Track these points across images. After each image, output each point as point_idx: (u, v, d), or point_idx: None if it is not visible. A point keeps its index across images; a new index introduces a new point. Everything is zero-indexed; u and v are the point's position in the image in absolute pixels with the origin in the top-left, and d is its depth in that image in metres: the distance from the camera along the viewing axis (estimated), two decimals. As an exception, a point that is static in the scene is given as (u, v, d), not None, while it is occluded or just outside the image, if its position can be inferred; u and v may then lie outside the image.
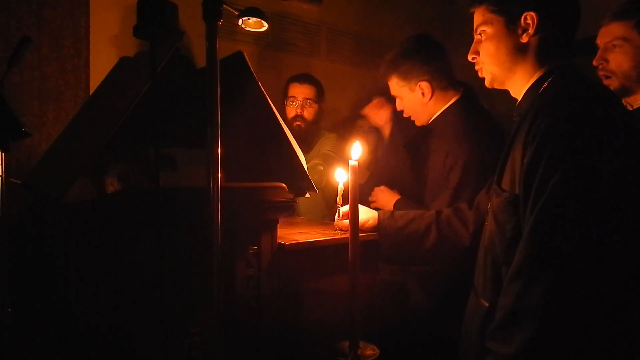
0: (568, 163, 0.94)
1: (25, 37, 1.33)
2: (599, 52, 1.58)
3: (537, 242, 0.95)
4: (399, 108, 1.93)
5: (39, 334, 1.36)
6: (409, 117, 1.91)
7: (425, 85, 1.80)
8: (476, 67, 1.23)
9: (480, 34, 1.19)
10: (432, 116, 1.86)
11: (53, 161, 1.44)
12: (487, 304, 1.12)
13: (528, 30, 1.11)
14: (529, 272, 0.95)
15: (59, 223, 1.36)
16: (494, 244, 1.13)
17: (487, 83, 1.22)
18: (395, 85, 1.86)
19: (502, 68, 1.16)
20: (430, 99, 1.81)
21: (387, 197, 1.96)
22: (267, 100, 1.26)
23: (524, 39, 1.12)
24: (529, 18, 1.10)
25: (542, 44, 1.12)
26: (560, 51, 1.13)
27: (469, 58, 1.23)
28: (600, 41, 1.58)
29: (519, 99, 1.18)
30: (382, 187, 2.02)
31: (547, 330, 0.92)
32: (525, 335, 0.93)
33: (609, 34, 1.55)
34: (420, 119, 1.89)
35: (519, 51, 1.13)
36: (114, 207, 1.09)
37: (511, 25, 1.13)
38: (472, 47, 1.22)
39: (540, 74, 1.12)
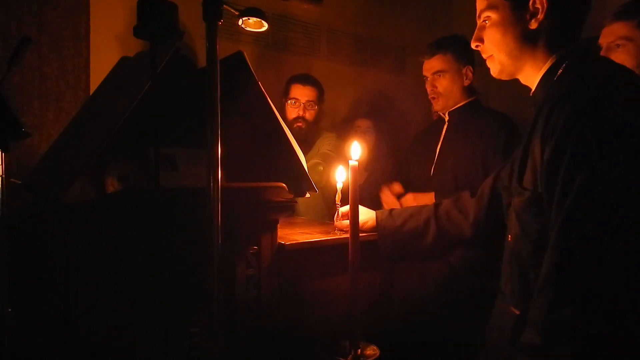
0: (593, 161, 0.87)
1: (26, 37, 1.33)
2: (602, 52, 1.57)
3: (565, 248, 0.89)
4: (431, 86, 2.09)
5: (39, 334, 1.36)
6: (433, 97, 2.10)
7: (470, 71, 2.05)
8: (483, 56, 1.15)
9: (484, 20, 1.11)
10: (455, 105, 2.07)
11: (53, 161, 1.44)
12: (517, 312, 1.06)
13: (537, 15, 1.03)
14: (559, 281, 0.89)
15: (59, 223, 1.36)
16: (519, 248, 1.07)
17: (494, 73, 1.15)
18: (447, 60, 2.05)
19: (510, 56, 1.09)
20: (466, 86, 2.06)
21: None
22: (268, 101, 1.26)
23: (533, 25, 1.04)
24: (538, 2, 1.03)
25: (552, 29, 1.04)
26: (572, 36, 1.06)
27: (472, 46, 1.16)
28: (603, 41, 1.58)
29: (533, 89, 1.10)
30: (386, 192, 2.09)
31: (582, 343, 0.86)
32: (559, 349, 0.87)
33: (612, 33, 1.54)
34: (447, 102, 2.07)
35: (528, 38, 1.06)
36: (114, 207, 1.09)
37: (518, 10, 1.05)
38: (475, 34, 1.14)
39: (553, 60, 1.05)
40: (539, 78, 1.08)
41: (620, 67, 1.02)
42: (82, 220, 1.26)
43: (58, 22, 2.00)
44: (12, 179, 1.26)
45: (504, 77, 1.14)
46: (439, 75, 2.05)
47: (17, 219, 1.41)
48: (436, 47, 2.07)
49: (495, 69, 1.14)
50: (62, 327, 1.34)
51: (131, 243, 1.02)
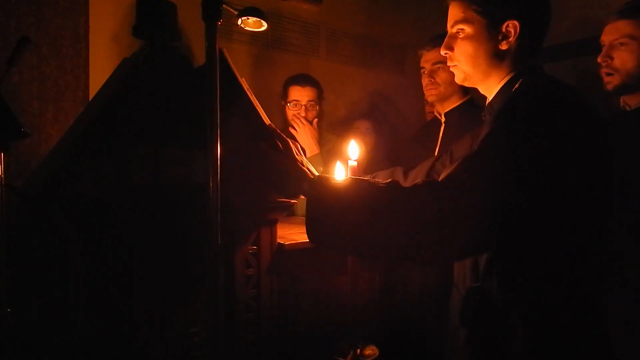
0: (509, 133, 0.95)
1: (25, 37, 1.33)
2: (604, 49, 1.56)
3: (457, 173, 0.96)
4: (429, 77, 2.09)
5: (39, 334, 1.36)
6: (429, 88, 2.09)
7: None
8: (449, 63, 1.20)
9: (457, 31, 1.15)
10: (450, 105, 2.07)
11: (50, 162, 1.43)
12: (463, 292, 1.10)
13: (509, 38, 1.09)
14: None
15: (59, 223, 1.36)
16: None
17: (458, 80, 1.20)
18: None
19: (478, 70, 1.14)
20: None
21: None
22: (251, 99, 1.23)
23: (504, 46, 1.10)
24: (511, 26, 1.08)
25: (519, 50, 1.11)
26: (533, 55, 1.13)
27: (441, 52, 1.19)
28: (605, 38, 1.57)
29: (490, 98, 1.17)
30: None
31: None
32: None
33: (616, 31, 1.53)
34: (442, 93, 2.07)
35: (497, 56, 1.12)
36: (115, 207, 1.09)
37: (492, 29, 1.10)
38: (445, 41, 1.17)
39: (512, 75, 1.12)
40: (498, 89, 1.14)
41: (571, 88, 1.09)
42: (82, 220, 1.26)
43: (57, 22, 2.00)
44: (13, 184, 1.26)
45: (465, 84, 1.20)
46: (439, 67, 2.06)
47: (17, 219, 1.41)
48: (438, 40, 2.07)
49: (459, 77, 1.19)
50: (62, 326, 1.34)
51: (131, 243, 1.02)
